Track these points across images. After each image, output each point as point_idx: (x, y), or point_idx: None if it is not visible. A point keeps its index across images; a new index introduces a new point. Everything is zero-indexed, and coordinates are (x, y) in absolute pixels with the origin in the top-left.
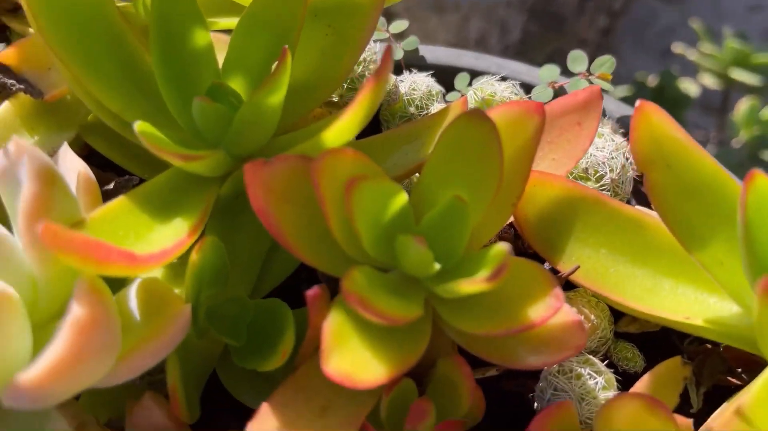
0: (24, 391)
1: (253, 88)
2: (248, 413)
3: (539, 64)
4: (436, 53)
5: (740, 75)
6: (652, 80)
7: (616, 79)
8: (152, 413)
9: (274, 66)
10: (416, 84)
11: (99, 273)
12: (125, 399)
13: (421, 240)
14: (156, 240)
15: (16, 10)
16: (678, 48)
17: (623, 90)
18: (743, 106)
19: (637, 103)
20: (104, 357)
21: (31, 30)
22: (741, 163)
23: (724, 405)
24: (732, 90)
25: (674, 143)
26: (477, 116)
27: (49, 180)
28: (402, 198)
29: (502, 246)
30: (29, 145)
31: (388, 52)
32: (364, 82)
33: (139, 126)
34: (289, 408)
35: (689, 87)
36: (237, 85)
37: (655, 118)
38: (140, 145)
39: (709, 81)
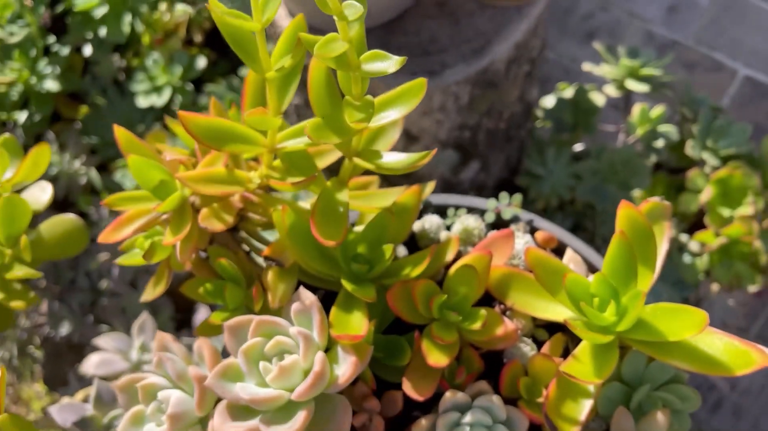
0: (339, 385)
1: (373, 252)
2: (392, 385)
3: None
4: (436, 198)
5: (633, 85)
6: (569, 93)
7: (547, 73)
8: (363, 387)
9: (385, 248)
10: (431, 222)
11: (344, 343)
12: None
13: (454, 313)
14: (356, 327)
15: (244, 218)
16: (586, 66)
17: (550, 100)
18: (636, 110)
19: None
20: (356, 372)
21: (259, 229)
22: (640, 153)
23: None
24: (631, 95)
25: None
26: (468, 267)
27: (320, 309)
28: (443, 296)
29: (483, 311)
30: (313, 298)
31: (433, 252)
32: (430, 249)
33: (345, 284)
34: (412, 377)
35: (597, 98)
36: (365, 251)
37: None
38: (325, 278)
39: (611, 91)
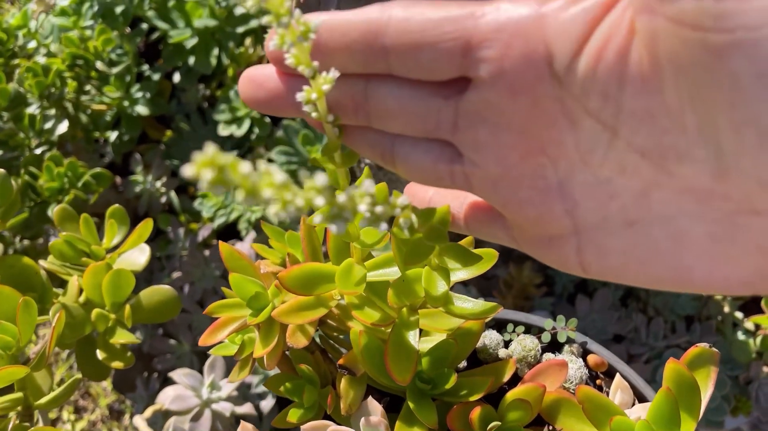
0: None
1: (436, 371)
2: None
3: None
4: (496, 315)
5: None
6: None
7: None
8: None
9: (447, 373)
10: (491, 338)
11: None
12: None
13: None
14: None
15: (322, 323)
16: None
17: None
18: None
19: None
20: None
21: (335, 333)
22: None
23: None
24: None
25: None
26: (522, 401)
27: (387, 427)
28: (498, 423)
29: None
30: (381, 413)
31: (491, 382)
32: (489, 377)
33: (411, 404)
34: None
35: None
36: (428, 369)
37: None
38: (389, 385)
39: None
